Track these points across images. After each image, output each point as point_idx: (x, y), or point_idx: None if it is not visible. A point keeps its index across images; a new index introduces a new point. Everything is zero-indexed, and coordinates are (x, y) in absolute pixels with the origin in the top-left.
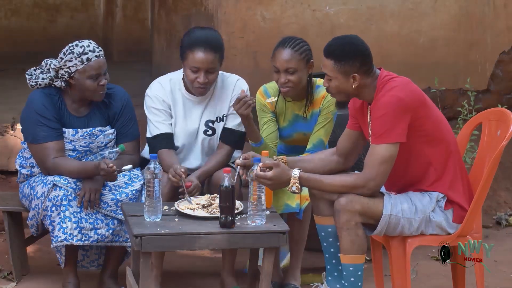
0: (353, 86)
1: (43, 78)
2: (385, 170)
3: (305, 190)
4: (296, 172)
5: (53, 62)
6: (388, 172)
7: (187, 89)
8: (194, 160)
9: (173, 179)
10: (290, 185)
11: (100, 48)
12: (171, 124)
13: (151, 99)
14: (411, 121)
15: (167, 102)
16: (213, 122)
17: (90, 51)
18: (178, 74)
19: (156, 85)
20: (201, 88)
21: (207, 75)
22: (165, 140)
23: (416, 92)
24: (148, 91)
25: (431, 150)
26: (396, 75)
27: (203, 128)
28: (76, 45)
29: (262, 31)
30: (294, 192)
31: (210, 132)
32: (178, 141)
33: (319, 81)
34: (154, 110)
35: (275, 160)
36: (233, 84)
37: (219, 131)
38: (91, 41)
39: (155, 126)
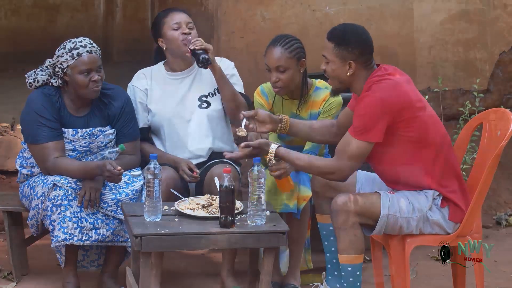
0: (348, 73)
1: (41, 75)
2: (353, 166)
3: (305, 191)
4: (274, 146)
5: (50, 60)
6: (357, 167)
7: (170, 69)
8: (199, 133)
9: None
10: (268, 156)
11: (93, 45)
12: (147, 115)
13: (129, 90)
14: (394, 123)
15: (143, 89)
16: (206, 96)
17: (81, 46)
18: (160, 64)
19: (137, 74)
20: (186, 41)
21: (189, 28)
22: (142, 134)
23: (402, 95)
24: (129, 83)
25: (418, 152)
26: (391, 72)
27: (196, 102)
28: (69, 41)
29: (262, 31)
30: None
31: (205, 105)
32: (161, 119)
33: (318, 82)
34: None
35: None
36: (218, 62)
37: (215, 104)
38: (85, 38)
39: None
